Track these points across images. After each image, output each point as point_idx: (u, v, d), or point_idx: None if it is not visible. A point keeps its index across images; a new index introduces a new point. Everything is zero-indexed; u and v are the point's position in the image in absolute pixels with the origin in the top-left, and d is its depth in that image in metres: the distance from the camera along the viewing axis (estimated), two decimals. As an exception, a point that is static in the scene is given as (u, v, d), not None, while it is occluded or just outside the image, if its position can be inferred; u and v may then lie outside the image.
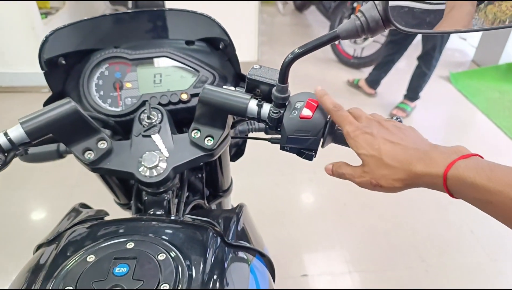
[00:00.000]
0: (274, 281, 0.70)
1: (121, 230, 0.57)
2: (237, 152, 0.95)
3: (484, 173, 0.40)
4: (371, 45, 3.63)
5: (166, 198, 0.69)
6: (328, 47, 3.95)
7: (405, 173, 0.47)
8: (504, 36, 3.62)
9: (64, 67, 0.74)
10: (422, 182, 0.47)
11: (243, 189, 2.15)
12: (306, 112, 0.56)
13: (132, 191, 0.78)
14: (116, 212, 0.84)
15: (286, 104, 0.58)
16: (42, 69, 0.69)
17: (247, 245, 0.64)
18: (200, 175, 0.88)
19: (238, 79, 0.80)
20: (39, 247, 0.62)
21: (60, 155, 0.78)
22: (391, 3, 0.47)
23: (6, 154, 0.56)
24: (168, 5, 3.10)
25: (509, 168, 0.40)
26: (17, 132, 0.56)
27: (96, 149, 0.63)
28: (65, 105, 0.58)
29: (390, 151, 0.49)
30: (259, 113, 0.60)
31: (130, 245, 0.52)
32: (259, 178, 2.34)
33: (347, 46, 3.82)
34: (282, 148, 0.61)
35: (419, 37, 2.85)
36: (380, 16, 0.48)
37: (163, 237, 0.55)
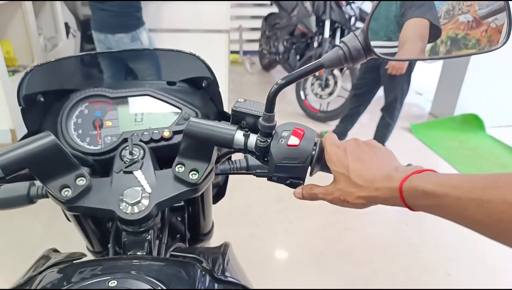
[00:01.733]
0: None
1: (100, 270, 0.53)
2: (218, 193, 0.93)
3: (432, 180, 0.45)
4: (336, 99, 3.82)
5: (147, 238, 0.66)
6: (295, 103, 4.11)
7: (368, 191, 0.51)
8: (455, 90, 3.92)
9: (42, 104, 0.72)
10: (383, 198, 0.50)
11: (217, 241, 2.08)
12: (293, 140, 0.57)
13: (108, 236, 0.74)
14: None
15: (273, 133, 0.59)
16: (20, 105, 0.67)
17: (237, 281, 0.61)
18: (181, 217, 0.85)
19: (220, 118, 0.80)
20: None
21: (30, 200, 0.73)
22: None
23: None
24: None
25: (454, 175, 0.45)
26: None
27: (74, 186, 0.60)
28: (45, 138, 0.56)
29: (356, 170, 0.53)
30: (245, 143, 0.60)
31: (113, 283, 0.48)
32: (234, 229, 2.28)
33: (314, 101, 3.99)
34: (269, 179, 0.60)
35: (380, 92, 3.03)
36: (361, 46, 0.51)
37: (148, 274, 0.51)
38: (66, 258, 0.61)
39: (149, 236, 0.66)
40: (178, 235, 0.84)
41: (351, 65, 0.53)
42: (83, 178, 0.61)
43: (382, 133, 3.02)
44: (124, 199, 0.60)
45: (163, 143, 0.73)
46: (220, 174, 0.77)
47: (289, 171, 0.58)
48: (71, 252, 0.64)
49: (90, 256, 0.67)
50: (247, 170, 0.78)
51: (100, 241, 0.81)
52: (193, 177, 0.64)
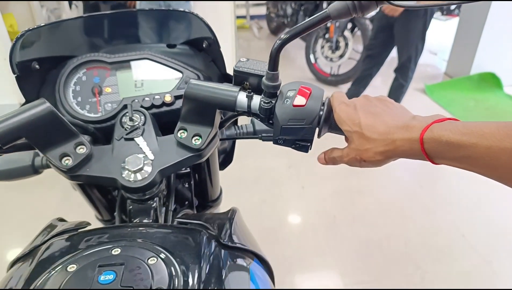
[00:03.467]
0: (274, 285, 0.65)
1: (105, 238, 0.51)
2: (225, 159, 0.91)
3: (457, 129, 0.41)
4: (347, 62, 3.71)
5: (152, 205, 0.64)
6: (305, 67, 4.01)
7: (385, 145, 0.48)
8: (472, 48, 3.77)
9: (38, 72, 0.69)
10: (402, 151, 0.47)
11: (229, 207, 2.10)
12: (300, 99, 0.54)
13: (115, 204, 0.73)
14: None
15: (278, 93, 0.55)
16: (14, 72, 0.65)
17: (245, 246, 0.59)
18: (188, 184, 0.83)
19: (223, 79, 0.77)
20: (13, 263, 0.55)
21: (35, 170, 0.72)
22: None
23: None
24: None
25: (480, 123, 0.40)
26: None
27: (74, 154, 0.58)
28: (40, 106, 0.54)
29: (370, 125, 0.50)
30: (249, 105, 0.57)
31: (116, 251, 0.47)
32: (246, 195, 2.29)
33: (324, 64, 3.89)
34: (275, 142, 0.57)
35: (394, 53, 2.93)
36: None
37: (153, 241, 0.50)
38: (69, 229, 0.60)
39: (154, 203, 0.65)
40: (186, 202, 0.83)
41: (361, 15, 0.49)
42: (83, 146, 0.59)
43: (395, 95, 2.94)
44: (126, 167, 0.58)
45: (165, 108, 0.71)
46: (225, 139, 0.74)
47: (296, 133, 0.55)
48: (77, 221, 0.63)
49: (97, 225, 0.66)
50: (254, 134, 0.75)
51: (107, 209, 0.80)
52: (196, 142, 0.61)
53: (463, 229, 2.05)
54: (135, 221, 0.63)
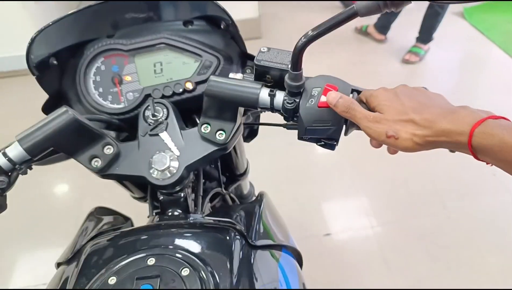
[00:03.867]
0: (302, 267, 0.69)
1: (140, 244, 0.55)
2: (251, 132, 0.90)
3: None
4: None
5: (182, 196, 0.67)
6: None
7: (428, 130, 0.44)
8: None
9: (56, 67, 0.69)
10: (445, 140, 0.44)
11: (257, 153, 2.13)
12: (325, 100, 0.51)
13: (146, 186, 0.76)
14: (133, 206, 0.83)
15: (302, 91, 0.53)
16: (33, 74, 0.65)
17: (272, 242, 0.62)
18: (214, 164, 0.85)
19: (244, 58, 0.74)
20: (59, 264, 0.60)
21: None
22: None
23: (9, 173, 0.54)
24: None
25: None
26: (16, 151, 0.53)
27: (102, 155, 0.60)
28: (62, 116, 0.54)
29: (415, 107, 0.46)
30: (272, 103, 0.55)
31: (151, 261, 0.50)
32: (271, 139, 2.31)
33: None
34: (300, 138, 0.56)
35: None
36: None
37: (185, 248, 0.53)
38: (107, 228, 0.64)
39: (184, 193, 0.67)
40: (214, 181, 0.85)
41: (394, 10, 0.44)
42: (110, 146, 0.60)
43: (429, 24, 2.73)
44: (153, 166, 0.60)
45: (186, 95, 0.70)
46: (249, 124, 0.73)
47: (321, 133, 0.53)
48: (114, 216, 0.67)
49: (133, 215, 0.69)
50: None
51: (140, 188, 0.84)
52: (220, 137, 0.61)
53: (495, 168, 2.01)
54: (167, 211, 0.66)
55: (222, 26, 0.71)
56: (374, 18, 3.15)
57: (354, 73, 2.73)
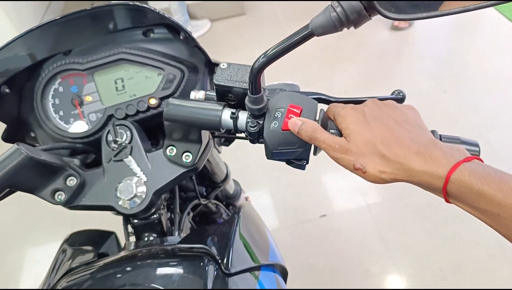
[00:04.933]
0: (287, 277, 0.67)
1: (111, 281, 0.52)
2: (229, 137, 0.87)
3: (493, 181, 0.36)
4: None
5: (156, 219, 0.64)
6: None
7: (397, 169, 0.41)
8: None
9: (11, 94, 0.64)
10: (417, 180, 0.40)
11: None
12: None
13: None
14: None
15: (265, 111, 0.49)
16: None
17: (249, 266, 0.60)
18: (189, 178, 0.81)
19: (211, 65, 0.70)
20: None
21: None
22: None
23: None
24: None
25: None
26: None
27: (65, 188, 0.57)
28: (14, 155, 0.51)
29: (384, 137, 0.42)
30: (235, 125, 0.51)
31: None
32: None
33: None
34: (269, 158, 0.53)
35: None
36: (361, 4, 0.37)
37: (157, 281, 0.51)
38: (81, 257, 0.62)
39: (157, 216, 0.65)
40: (193, 192, 0.82)
41: (354, 27, 0.40)
42: (72, 177, 0.58)
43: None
44: (119, 196, 0.57)
45: (152, 112, 0.66)
46: (218, 137, 0.70)
47: (289, 155, 0.50)
48: (85, 249, 0.65)
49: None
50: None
51: None
52: (187, 159, 0.58)
53: (489, 135, 1.99)
54: (143, 236, 0.64)
55: (181, 37, 0.67)
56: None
57: (342, 46, 2.65)
